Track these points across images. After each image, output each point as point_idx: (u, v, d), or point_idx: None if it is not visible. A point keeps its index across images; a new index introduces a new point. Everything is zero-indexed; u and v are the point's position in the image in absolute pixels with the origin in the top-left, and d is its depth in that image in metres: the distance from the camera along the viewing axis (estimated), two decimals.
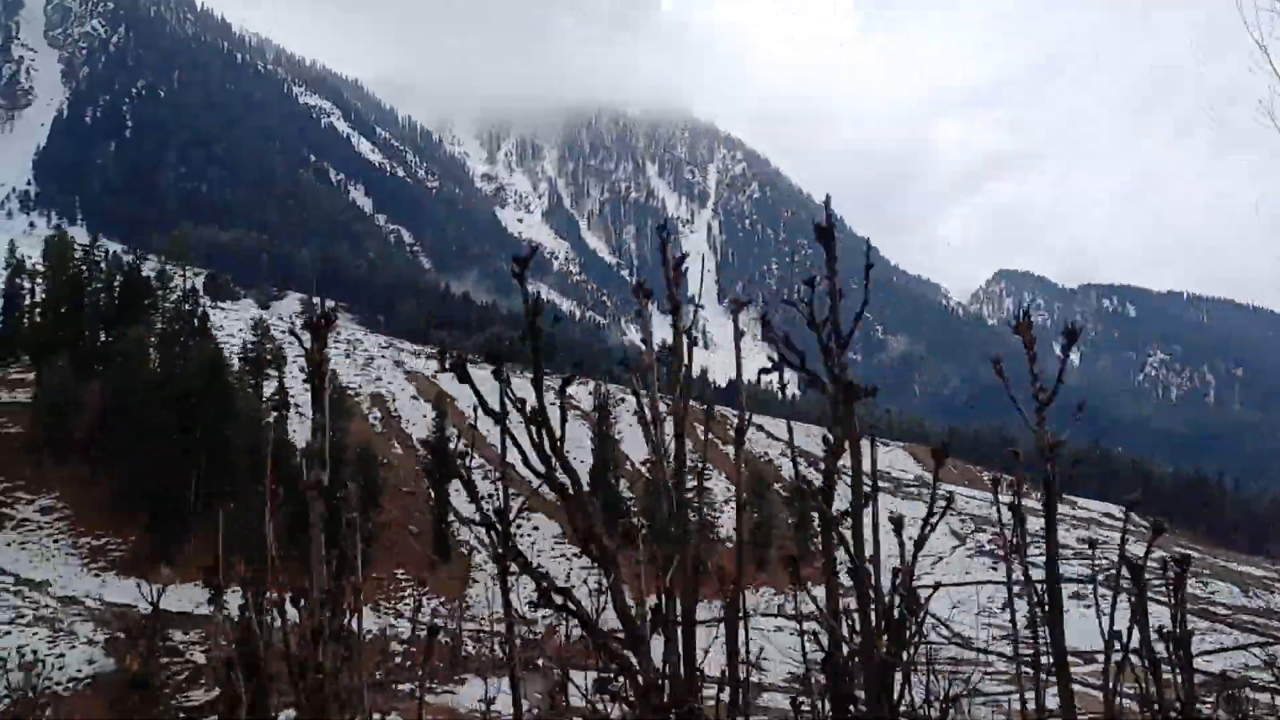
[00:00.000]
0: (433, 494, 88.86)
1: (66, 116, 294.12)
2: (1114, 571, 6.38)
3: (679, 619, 4.08)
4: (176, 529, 75.53)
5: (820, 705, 4.32)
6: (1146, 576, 5.32)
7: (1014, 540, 6.32)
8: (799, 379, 4.26)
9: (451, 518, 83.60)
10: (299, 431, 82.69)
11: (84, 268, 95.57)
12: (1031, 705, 5.64)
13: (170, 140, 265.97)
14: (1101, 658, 4.76)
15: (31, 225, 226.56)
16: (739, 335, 4.77)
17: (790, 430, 4.82)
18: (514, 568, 3.88)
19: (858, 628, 4.07)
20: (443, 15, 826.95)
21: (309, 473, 3.73)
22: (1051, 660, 4.99)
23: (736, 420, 4.53)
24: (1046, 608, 5.11)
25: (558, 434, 3.74)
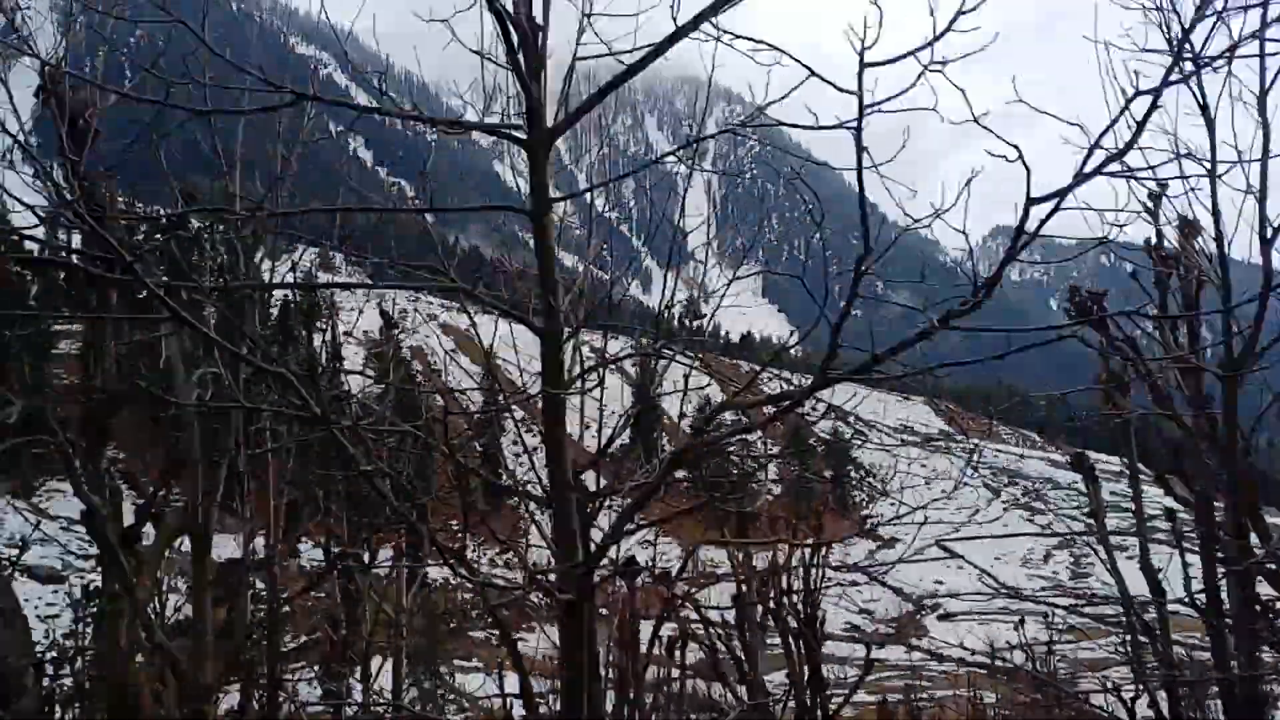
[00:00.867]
0: (480, 448, 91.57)
1: (64, 65, 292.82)
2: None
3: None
4: (234, 477, 77.82)
5: None
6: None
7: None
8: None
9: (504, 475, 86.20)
10: (349, 382, 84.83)
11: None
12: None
13: (172, 91, 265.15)
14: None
15: (35, 176, 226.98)
16: None
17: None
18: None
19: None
20: None
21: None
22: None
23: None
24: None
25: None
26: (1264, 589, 6.49)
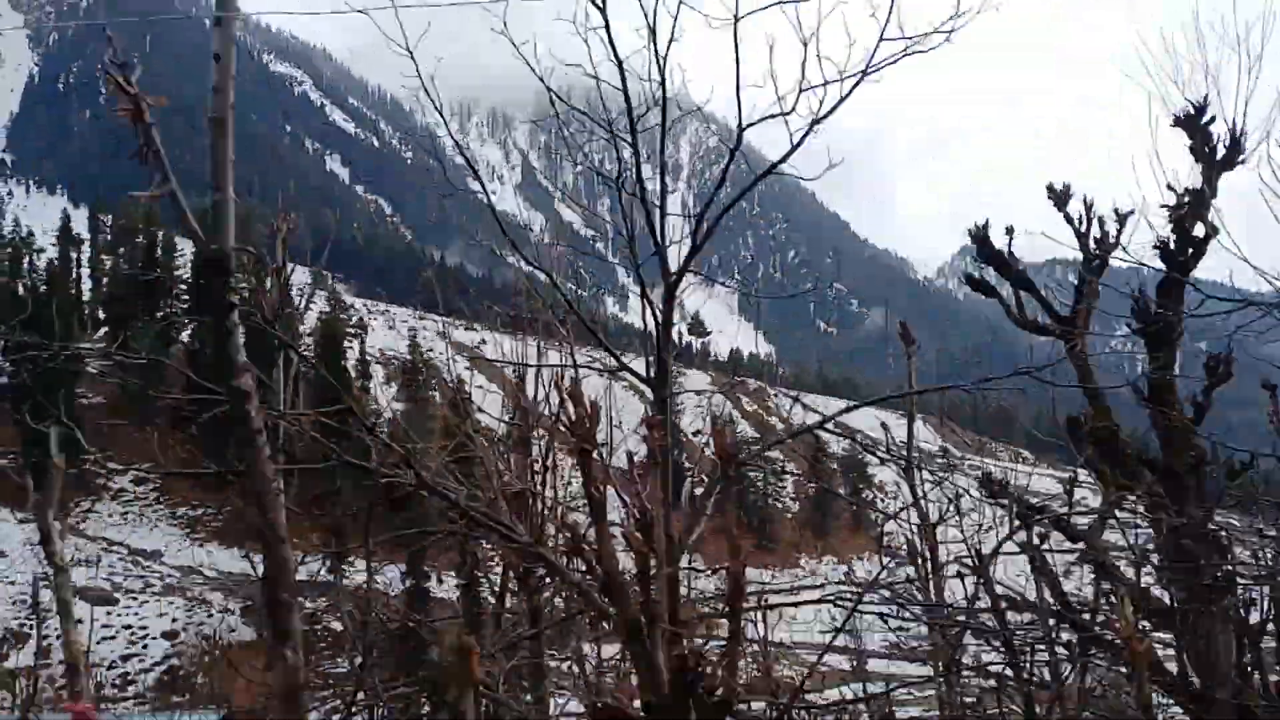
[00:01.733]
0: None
1: (38, 82, 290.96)
2: None
3: None
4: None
5: None
6: None
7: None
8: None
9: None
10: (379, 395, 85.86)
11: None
12: None
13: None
14: None
15: (10, 194, 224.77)
16: None
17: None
18: None
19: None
20: None
21: None
22: None
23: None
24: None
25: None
26: None
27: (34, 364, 73.54)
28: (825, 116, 5.87)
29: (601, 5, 5.92)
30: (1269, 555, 6.93)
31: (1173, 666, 7.51)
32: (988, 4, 5.59)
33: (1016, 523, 7.74)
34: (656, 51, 5.95)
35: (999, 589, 8.14)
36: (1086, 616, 7.64)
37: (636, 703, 4.43)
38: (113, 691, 44.53)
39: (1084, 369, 7.94)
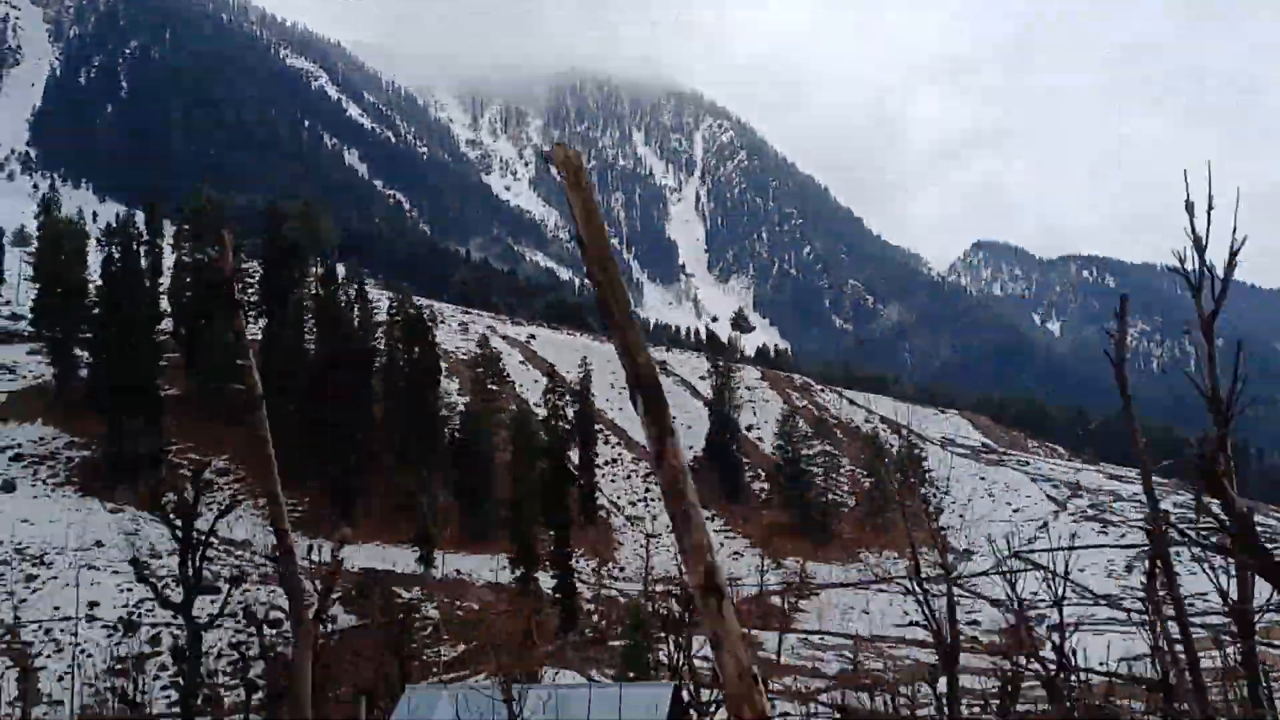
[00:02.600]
0: (578, 458, 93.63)
1: (60, 76, 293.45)
2: None
3: None
4: (347, 489, 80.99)
5: None
6: None
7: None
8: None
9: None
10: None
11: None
12: None
13: (168, 102, 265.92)
14: None
15: (35, 188, 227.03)
16: None
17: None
18: None
19: None
20: None
21: None
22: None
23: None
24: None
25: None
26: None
27: (118, 356, 75.99)
28: None
29: None
30: None
31: None
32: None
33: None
34: None
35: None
36: None
37: None
38: (224, 680, 46.43)
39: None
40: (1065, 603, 10.28)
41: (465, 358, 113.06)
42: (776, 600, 79.55)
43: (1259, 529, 5.28)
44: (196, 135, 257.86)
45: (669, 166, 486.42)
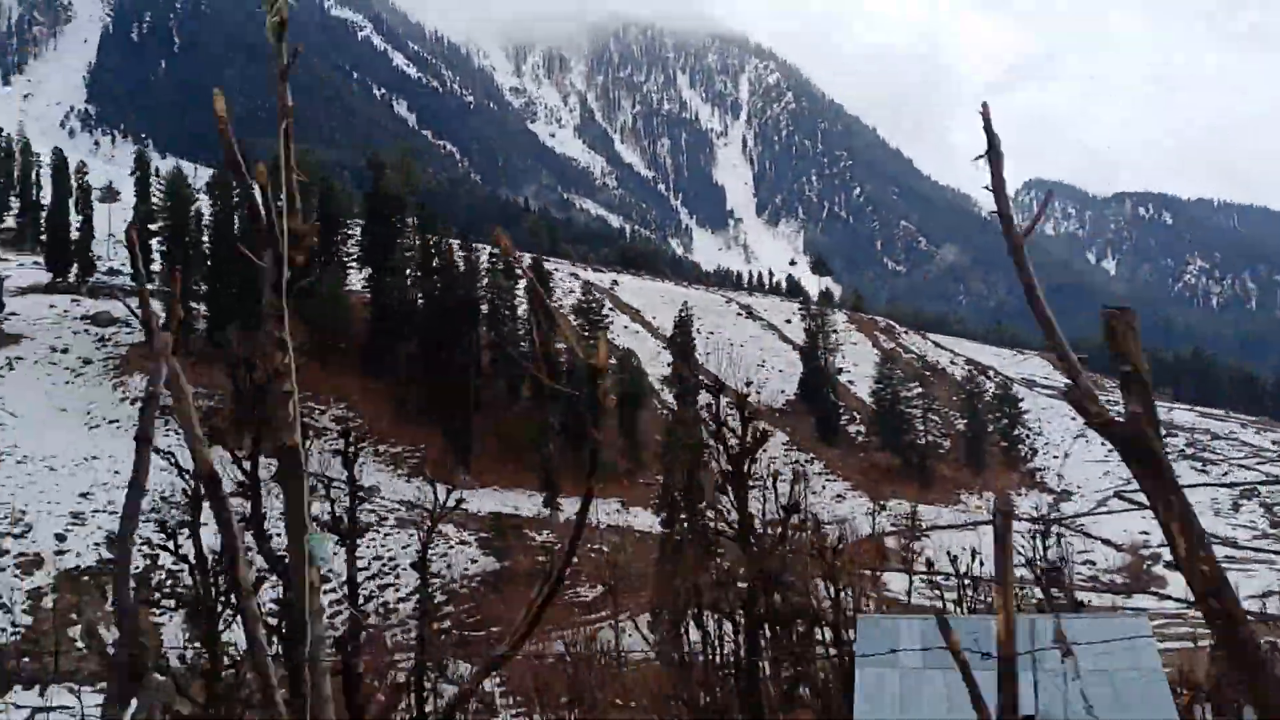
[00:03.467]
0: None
1: (113, 32, 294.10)
2: None
3: None
4: (464, 434, 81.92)
5: None
6: None
7: None
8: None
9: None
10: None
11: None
12: None
13: (219, 55, 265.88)
14: None
15: (96, 145, 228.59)
16: None
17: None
18: None
19: None
20: None
21: None
22: None
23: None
24: None
25: None
26: None
27: (238, 308, 76.60)
28: None
29: None
30: None
31: None
32: None
33: None
34: None
35: None
36: None
37: None
38: (378, 620, 47.22)
39: None
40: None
41: (557, 305, 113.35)
42: (889, 542, 79.71)
43: None
44: (249, 88, 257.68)
45: (715, 110, 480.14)
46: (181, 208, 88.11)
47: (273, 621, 20.52)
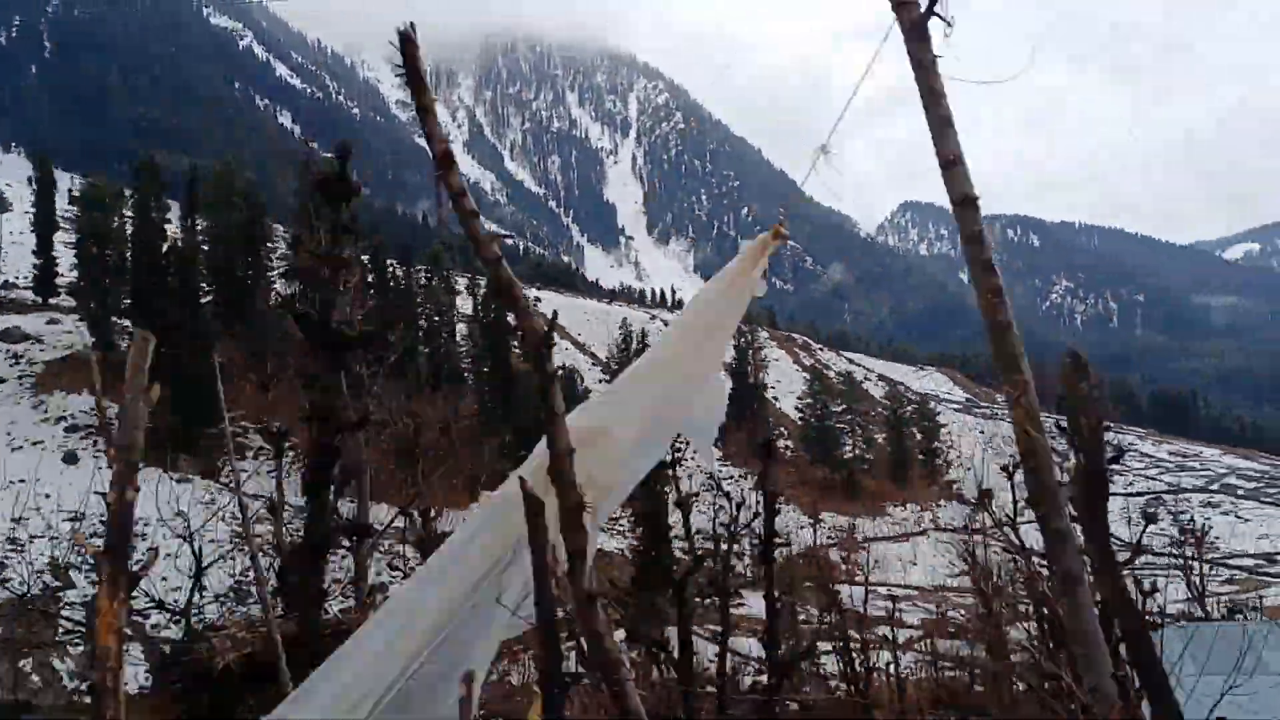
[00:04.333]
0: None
1: None
2: None
3: None
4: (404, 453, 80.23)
5: None
6: None
7: None
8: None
9: None
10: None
11: None
12: None
13: (94, 62, 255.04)
14: None
15: None
16: None
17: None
18: None
19: None
20: None
21: None
22: None
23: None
24: None
25: None
26: None
27: (162, 324, 73.38)
28: None
29: None
30: None
31: None
32: None
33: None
34: None
35: None
36: None
37: None
38: None
39: None
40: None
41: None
42: (832, 555, 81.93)
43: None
44: (128, 95, 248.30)
45: (605, 128, 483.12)
46: (103, 221, 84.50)
47: None
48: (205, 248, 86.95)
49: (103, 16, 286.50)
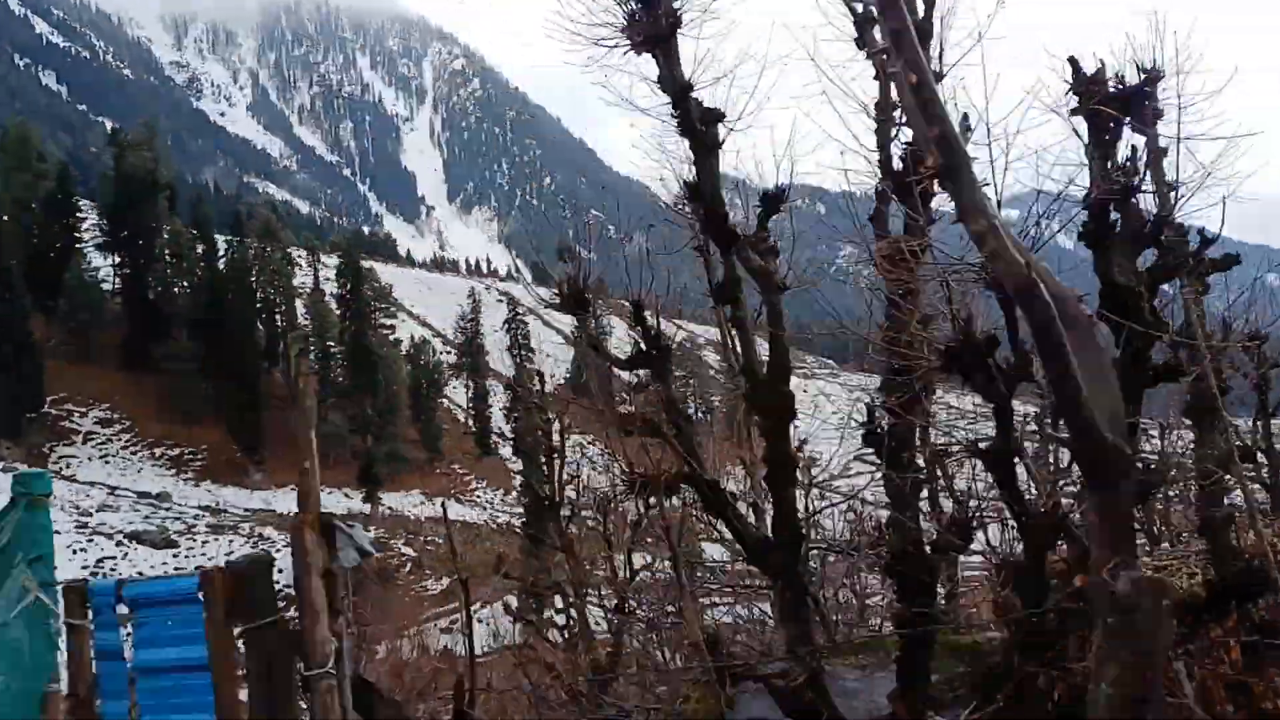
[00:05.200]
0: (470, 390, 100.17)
1: None
2: None
3: None
4: (252, 433, 76.12)
5: None
6: None
7: None
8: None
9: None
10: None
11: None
12: None
13: None
14: None
15: None
16: None
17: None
18: None
19: None
20: None
21: None
22: None
23: None
24: None
25: None
26: None
27: None
28: None
29: None
30: None
31: None
32: None
33: None
34: None
35: None
36: None
37: None
38: None
39: None
40: None
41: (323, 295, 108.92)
42: None
43: None
44: None
45: (399, 94, 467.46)
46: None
47: None
48: (4, 217, 79.54)
49: None
